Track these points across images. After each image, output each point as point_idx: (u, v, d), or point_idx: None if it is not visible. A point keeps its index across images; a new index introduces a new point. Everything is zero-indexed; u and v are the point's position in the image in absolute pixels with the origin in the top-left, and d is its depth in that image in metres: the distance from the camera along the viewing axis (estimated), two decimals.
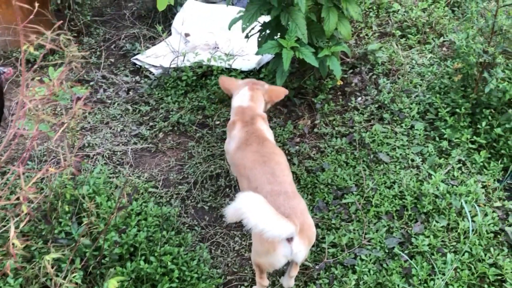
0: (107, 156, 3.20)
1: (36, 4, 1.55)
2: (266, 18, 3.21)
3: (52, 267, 2.38)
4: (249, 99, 2.65)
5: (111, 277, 1.95)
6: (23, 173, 2.52)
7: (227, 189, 3.00)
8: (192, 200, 2.95)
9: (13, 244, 1.39)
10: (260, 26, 3.27)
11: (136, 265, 2.34)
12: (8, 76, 1.89)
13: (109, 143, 3.30)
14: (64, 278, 2.11)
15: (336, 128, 3.29)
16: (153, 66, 3.91)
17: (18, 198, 1.52)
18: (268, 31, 3.20)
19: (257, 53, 3.08)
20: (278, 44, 2.93)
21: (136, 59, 4.02)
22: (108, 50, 4.22)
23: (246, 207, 1.76)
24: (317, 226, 2.68)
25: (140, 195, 2.86)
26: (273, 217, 1.82)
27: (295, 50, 2.92)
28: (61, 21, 1.78)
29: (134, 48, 4.15)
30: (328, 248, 2.58)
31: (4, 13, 3.95)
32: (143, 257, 2.40)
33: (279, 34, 3.13)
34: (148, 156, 3.24)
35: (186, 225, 2.79)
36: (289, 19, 2.91)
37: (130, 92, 3.75)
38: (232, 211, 1.82)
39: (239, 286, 2.50)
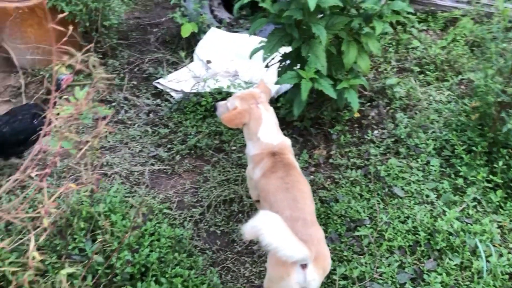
0: (124, 175, 3.26)
1: (71, 27, 1.64)
2: (286, 49, 3.28)
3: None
4: (276, 129, 2.58)
5: None
6: (43, 188, 2.58)
7: (240, 215, 3.02)
8: (205, 224, 2.97)
9: (33, 257, 1.43)
10: (281, 56, 3.34)
11: (146, 286, 2.35)
12: (68, 82, 1.96)
13: (127, 163, 3.36)
14: None
15: (352, 160, 3.30)
16: (174, 90, 4.00)
17: (38, 212, 1.57)
18: (288, 62, 3.27)
19: (276, 83, 3.15)
20: (297, 75, 2.99)
21: (158, 82, 4.12)
22: (132, 73, 4.34)
23: (263, 225, 1.80)
24: None
25: (154, 216, 2.89)
26: (288, 238, 1.85)
27: (314, 81, 2.97)
28: (92, 44, 1.86)
29: (156, 72, 4.26)
30: (339, 280, 2.56)
31: (36, 33, 4.11)
32: (154, 278, 2.41)
33: (298, 65, 3.20)
34: (164, 178, 3.29)
35: (198, 248, 2.80)
36: (309, 51, 2.97)
37: (150, 114, 3.84)
38: (250, 228, 1.85)
39: None
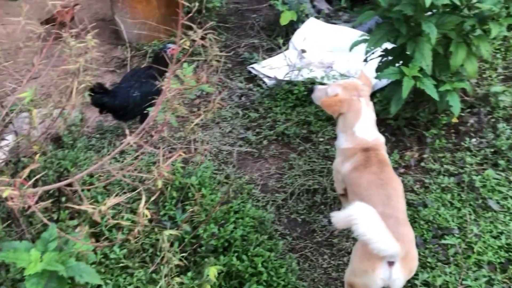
0: (213, 153, 3.38)
1: (195, 5, 1.71)
2: (387, 45, 3.20)
3: (153, 246, 2.58)
4: (373, 125, 2.53)
5: (210, 265, 2.05)
6: (143, 153, 2.73)
7: (322, 206, 3.01)
8: (287, 210, 3.00)
9: (142, 214, 1.53)
10: (382, 51, 3.27)
11: (228, 260, 2.43)
12: (174, 52, 2.06)
13: (217, 141, 3.48)
14: (162, 258, 2.25)
15: (445, 166, 3.17)
16: (267, 76, 4.06)
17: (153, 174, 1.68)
18: (390, 58, 3.19)
19: (376, 78, 3.09)
20: (399, 71, 2.91)
21: (252, 67, 4.20)
22: (227, 56, 4.44)
23: (358, 215, 1.80)
24: None
25: (240, 195, 2.97)
26: (382, 231, 1.83)
27: (416, 79, 2.88)
28: (212, 22, 1.94)
29: (251, 57, 4.33)
30: (420, 286, 2.49)
31: (144, 9, 4.35)
32: (236, 254, 2.48)
33: (401, 62, 3.11)
34: (250, 160, 3.37)
35: (278, 232, 2.84)
36: (415, 48, 2.88)
37: (242, 98, 3.93)
38: (342, 217, 1.86)
39: None
